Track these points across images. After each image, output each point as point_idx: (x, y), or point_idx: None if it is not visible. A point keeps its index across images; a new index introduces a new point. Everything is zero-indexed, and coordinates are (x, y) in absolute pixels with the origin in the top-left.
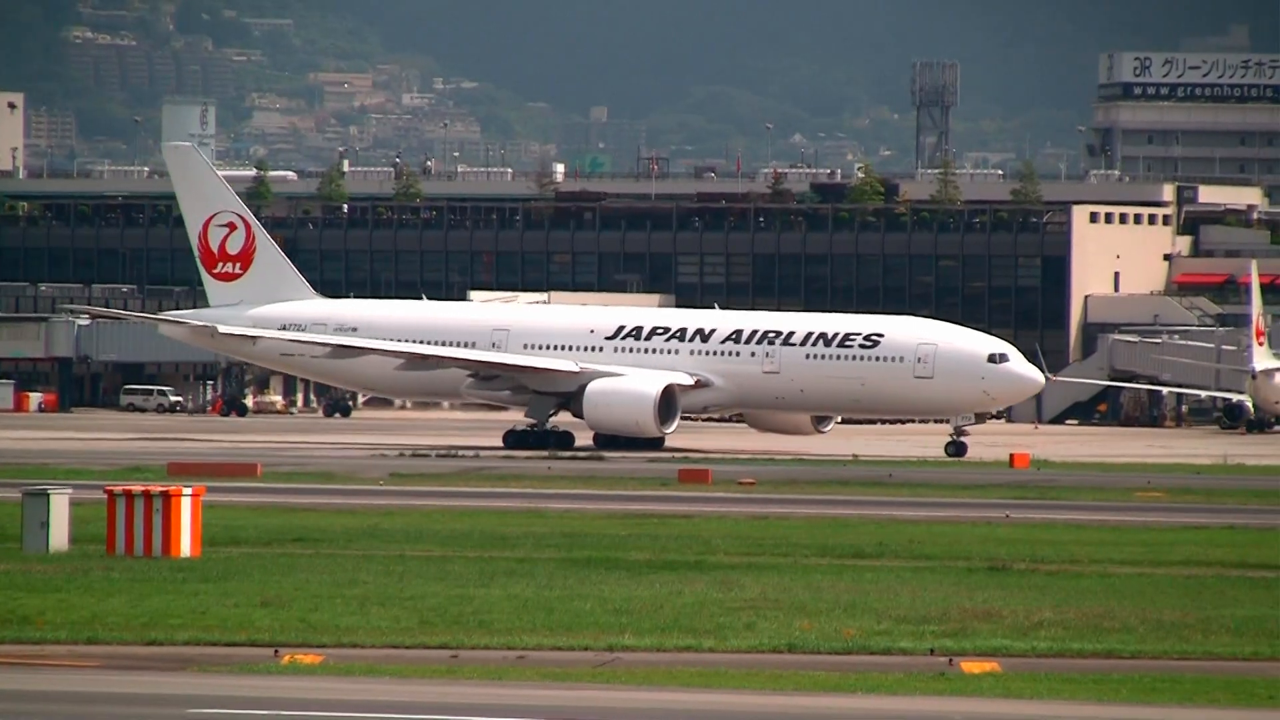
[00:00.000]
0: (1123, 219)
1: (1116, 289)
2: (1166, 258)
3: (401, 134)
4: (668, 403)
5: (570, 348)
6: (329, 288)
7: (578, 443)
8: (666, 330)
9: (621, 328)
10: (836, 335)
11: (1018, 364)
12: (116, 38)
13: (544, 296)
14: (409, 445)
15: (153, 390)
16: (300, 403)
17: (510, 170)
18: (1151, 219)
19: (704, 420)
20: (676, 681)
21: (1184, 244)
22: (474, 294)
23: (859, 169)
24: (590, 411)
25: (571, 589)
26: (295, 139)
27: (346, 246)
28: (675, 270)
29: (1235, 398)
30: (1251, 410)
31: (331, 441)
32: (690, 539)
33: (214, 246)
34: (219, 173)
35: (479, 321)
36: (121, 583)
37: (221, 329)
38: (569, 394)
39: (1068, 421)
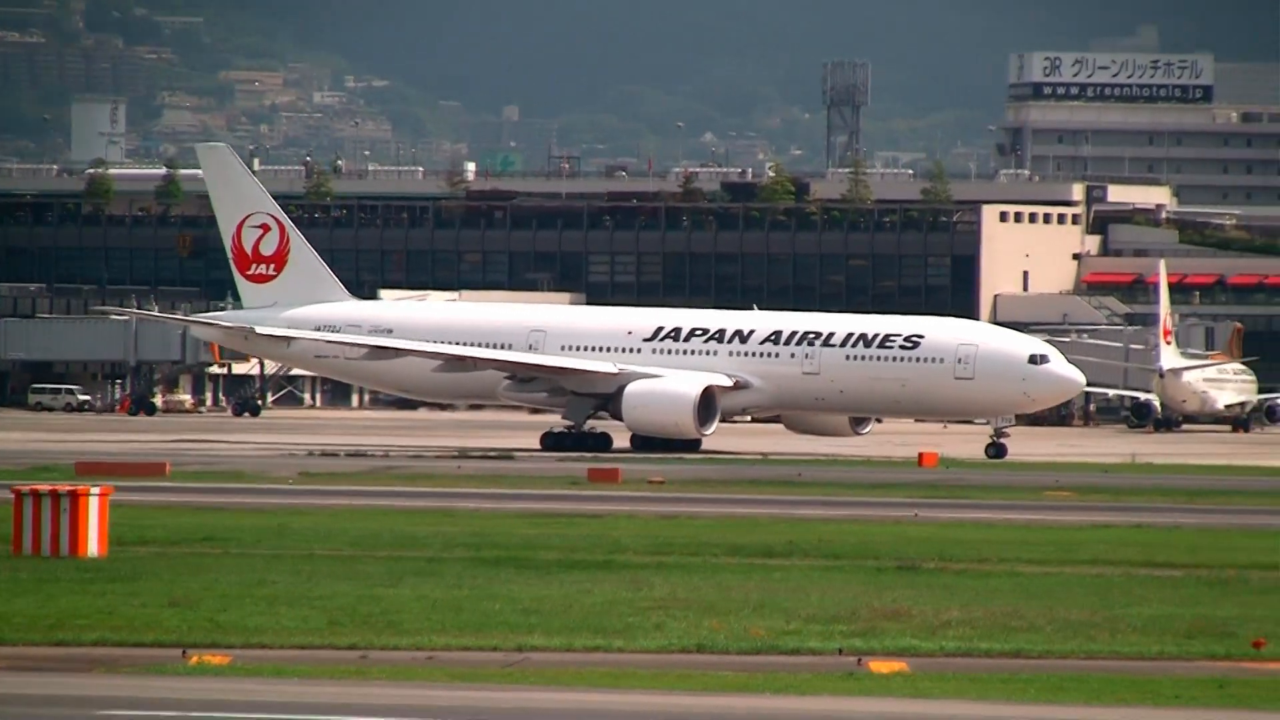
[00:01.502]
0: (1032, 218)
1: (1026, 288)
2: (1075, 257)
3: (312, 132)
4: (707, 404)
5: (608, 349)
6: None
7: (615, 445)
8: (705, 331)
9: (660, 329)
10: (877, 336)
11: (1059, 365)
12: (26, 35)
13: (455, 295)
14: (319, 444)
15: (61, 389)
16: (209, 402)
17: (421, 169)
18: (1061, 218)
19: (739, 422)
20: (585, 681)
21: (1093, 243)
22: (384, 293)
23: (770, 168)
24: (629, 413)
25: (481, 589)
26: (206, 137)
27: None
28: (586, 269)
29: (1143, 396)
30: (1159, 409)
31: (241, 441)
32: (600, 538)
33: (248, 248)
34: (252, 175)
35: (516, 323)
36: (28, 583)
37: (259, 330)
38: (607, 395)
39: (976, 421)
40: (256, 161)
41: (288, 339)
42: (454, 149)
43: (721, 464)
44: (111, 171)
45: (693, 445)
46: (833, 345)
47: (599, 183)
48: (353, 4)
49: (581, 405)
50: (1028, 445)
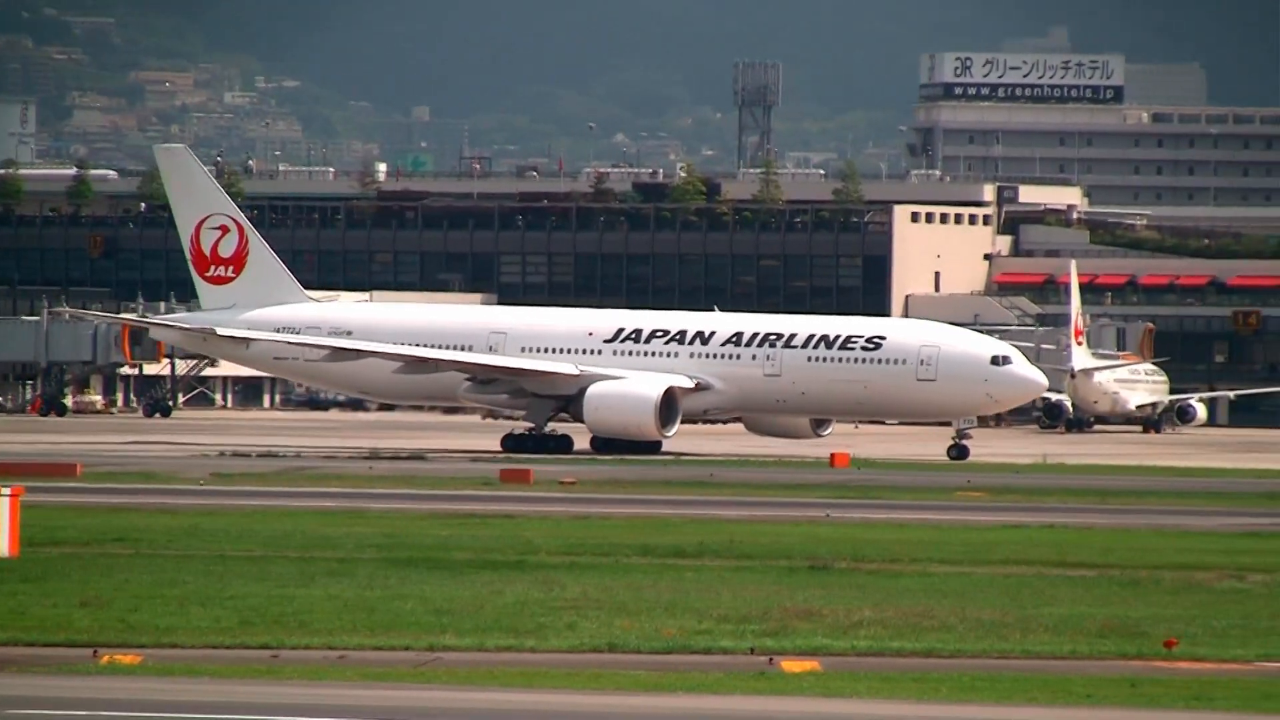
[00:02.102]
0: (943, 219)
1: (937, 288)
2: (987, 257)
3: (223, 133)
4: (669, 406)
5: (569, 350)
6: (149, 288)
7: (576, 447)
8: (666, 333)
9: (621, 330)
10: (838, 338)
11: (1021, 366)
12: None
13: (366, 296)
14: (230, 445)
15: None
16: (120, 402)
17: (332, 169)
18: (972, 219)
19: (703, 424)
20: (497, 681)
21: (1004, 244)
22: None
23: (681, 169)
24: (590, 415)
25: (393, 589)
26: (116, 138)
27: (167, 246)
28: (498, 270)
29: (1054, 397)
30: (1071, 409)
31: (153, 441)
32: (512, 539)
33: (206, 249)
34: (209, 175)
35: (476, 324)
36: None
37: (220, 331)
38: (569, 397)
39: (888, 421)
40: None
41: (247, 340)
42: (365, 149)
43: (632, 465)
44: (21, 172)
45: (654, 447)
46: (794, 347)
47: (510, 183)
48: (264, 4)
49: (542, 407)
50: (938, 446)
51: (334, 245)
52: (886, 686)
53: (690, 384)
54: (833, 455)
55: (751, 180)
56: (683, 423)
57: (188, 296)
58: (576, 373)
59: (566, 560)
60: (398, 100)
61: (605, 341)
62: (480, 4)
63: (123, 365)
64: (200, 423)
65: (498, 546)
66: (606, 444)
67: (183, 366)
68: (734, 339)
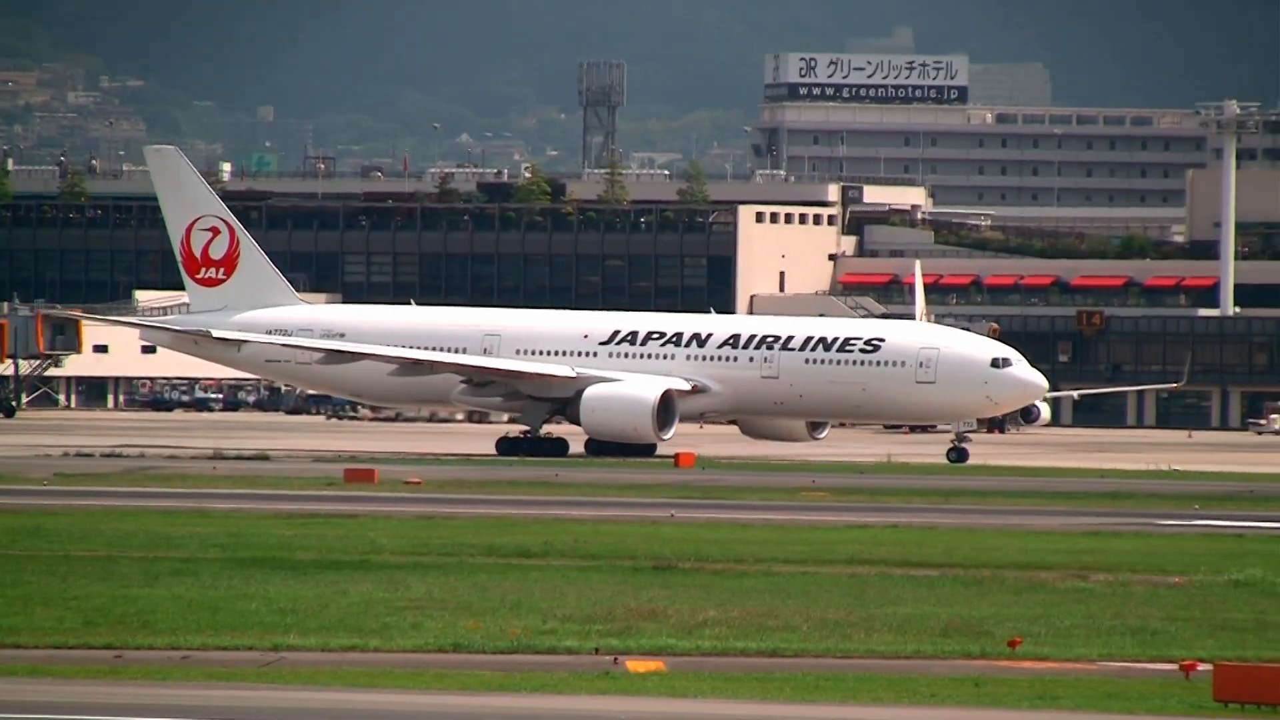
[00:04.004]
0: (788, 219)
1: (782, 288)
2: (832, 257)
3: (66, 132)
4: (666, 408)
5: (564, 353)
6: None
7: (570, 450)
8: (662, 335)
9: (617, 332)
10: (836, 340)
11: (1021, 369)
12: None
13: None
14: (74, 445)
15: None
16: None
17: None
18: (817, 219)
19: (700, 427)
20: (342, 681)
21: (849, 244)
22: (139, 294)
23: (526, 169)
24: (587, 417)
25: (237, 589)
26: None
27: (11, 246)
28: (342, 269)
29: None
30: None
31: None
32: (356, 539)
33: (197, 251)
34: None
35: (470, 327)
36: None
37: (215, 333)
38: (564, 400)
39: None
40: (10, 162)
41: (239, 343)
42: (209, 149)
43: (478, 465)
44: None
45: (649, 450)
46: (792, 349)
47: (355, 183)
48: (108, 4)
49: (538, 409)
50: (780, 447)
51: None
52: (731, 686)
53: (687, 386)
54: (678, 455)
55: (596, 180)
56: (679, 424)
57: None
58: (573, 375)
59: (411, 560)
60: (242, 100)
61: (601, 344)
62: (325, 4)
63: None
64: (44, 423)
65: (342, 547)
66: (601, 447)
67: (26, 366)
68: (731, 341)
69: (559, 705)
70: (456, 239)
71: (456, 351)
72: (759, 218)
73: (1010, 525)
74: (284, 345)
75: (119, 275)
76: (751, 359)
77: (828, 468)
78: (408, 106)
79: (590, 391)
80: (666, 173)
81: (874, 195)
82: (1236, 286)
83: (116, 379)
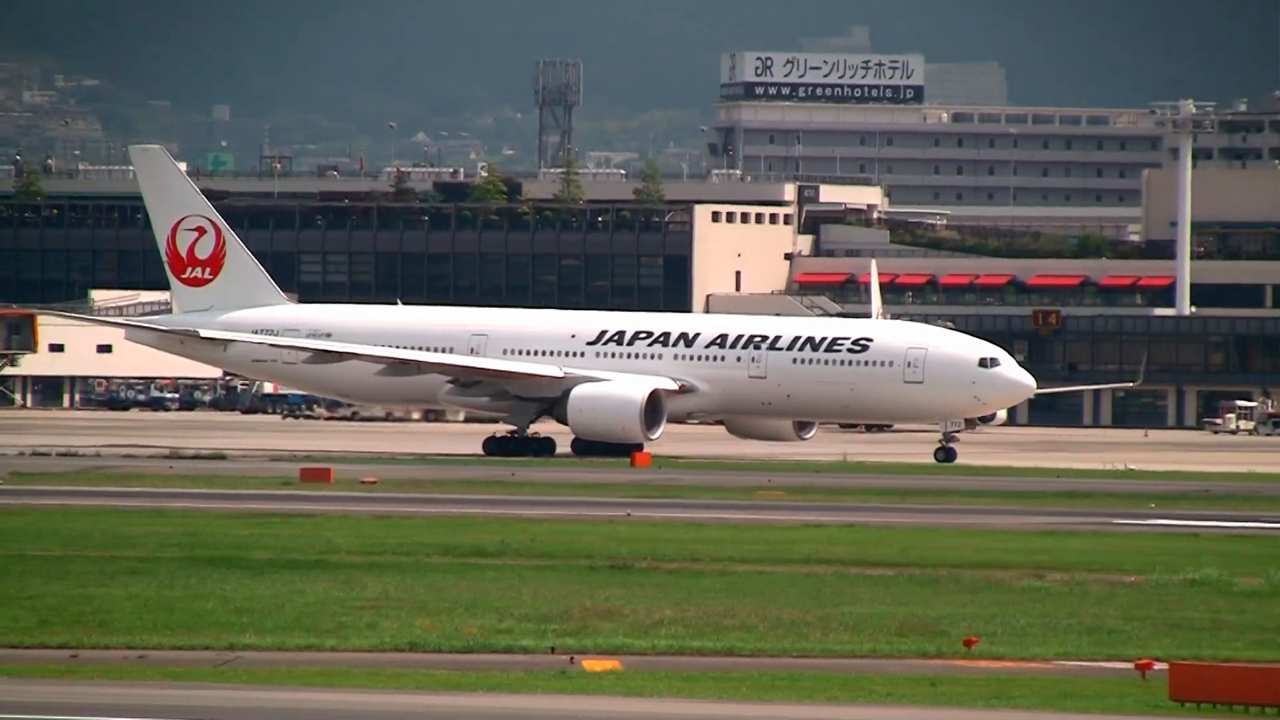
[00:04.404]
0: (744, 219)
1: (738, 288)
2: (788, 257)
3: (22, 131)
4: (654, 408)
5: (551, 353)
6: None
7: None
8: (650, 335)
9: (604, 332)
10: (824, 339)
11: (1009, 368)
12: None
13: (165, 296)
14: (30, 444)
15: None
16: None
17: (132, 169)
18: (773, 218)
19: (689, 426)
20: (298, 681)
21: (805, 243)
22: (95, 293)
23: (482, 168)
24: (575, 417)
25: (193, 588)
26: None
27: None
28: (298, 269)
29: None
30: None
31: None
32: (312, 538)
33: (182, 251)
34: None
35: (457, 327)
36: None
37: (203, 333)
38: (552, 400)
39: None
40: None
41: (225, 343)
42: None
43: (433, 464)
44: None
45: (636, 450)
46: (779, 349)
47: (311, 183)
48: (63, 3)
49: (525, 409)
50: (736, 447)
51: (134, 244)
52: (687, 685)
53: (674, 386)
54: (634, 455)
55: (553, 180)
56: (666, 424)
57: None
58: (560, 375)
59: (367, 560)
60: (198, 99)
61: (588, 343)
62: (281, 4)
63: None
64: None
65: (298, 546)
66: (588, 446)
67: None
68: (718, 340)
69: (515, 704)
70: (412, 238)
71: (443, 351)
72: (715, 217)
73: (966, 525)
74: (272, 345)
75: (75, 275)
76: (739, 359)
77: (784, 467)
78: (364, 106)
79: (578, 391)
80: (623, 172)
81: (830, 194)
82: (1192, 286)
83: (72, 378)
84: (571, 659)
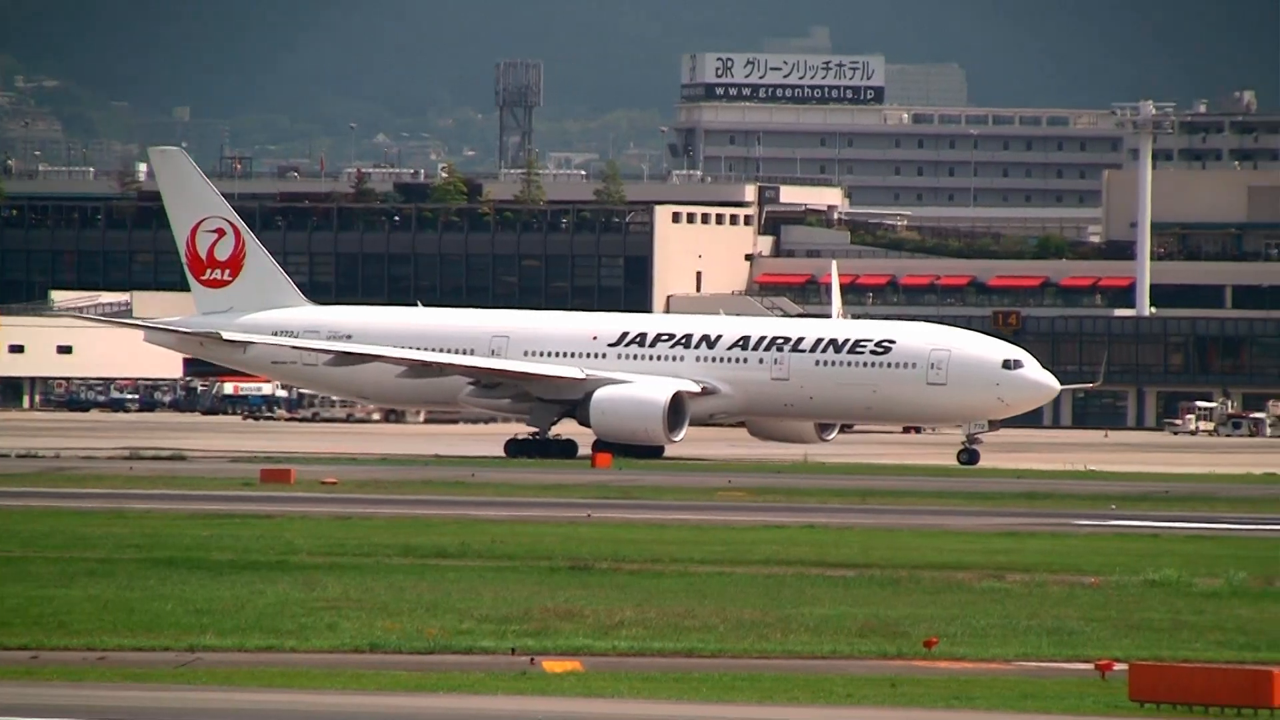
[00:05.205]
0: (705, 219)
1: (699, 289)
2: (748, 258)
3: None
4: (676, 410)
5: (573, 354)
6: None
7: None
8: (671, 336)
9: (625, 334)
10: (847, 341)
11: (1033, 370)
12: None
13: (126, 297)
14: None
15: None
16: None
17: (93, 169)
18: (733, 219)
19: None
20: (258, 681)
21: (766, 244)
22: (55, 294)
23: (442, 169)
24: (597, 419)
25: (153, 589)
26: None
27: None
28: None
29: None
30: None
31: None
32: (272, 539)
33: (202, 253)
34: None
35: (478, 328)
36: None
37: (226, 335)
38: (573, 401)
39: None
40: None
41: (244, 344)
42: (125, 149)
43: (394, 464)
44: None
45: (656, 452)
46: (802, 350)
47: (271, 183)
48: (23, 3)
49: (547, 411)
50: (698, 448)
51: (94, 245)
52: (648, 686)
53: (697, 388)
54: (594, 455)
55: (513, 181)
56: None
57: None
58: (582, 377)
59: (327, 560)
60: (159, 100)
61: (610, 345)
62: (241, 4)
63: None
64: None
65: (259, 547)
66: (609, 449)
67: None
68: (741, 342)
69: (476, 705)
70: (373, 239)
71: (464, 353)
72: (675, 218)
73: (927, 525)
74: (295, 348)
75: (35, 275)
76: (761, 360)
77: (744, 468)
78: (325, 107)
79: (600, 393)
80: (583, 173)
81: (790, 195)
82: (1153, 287)
83: (32, 379)
84: (532, 660)
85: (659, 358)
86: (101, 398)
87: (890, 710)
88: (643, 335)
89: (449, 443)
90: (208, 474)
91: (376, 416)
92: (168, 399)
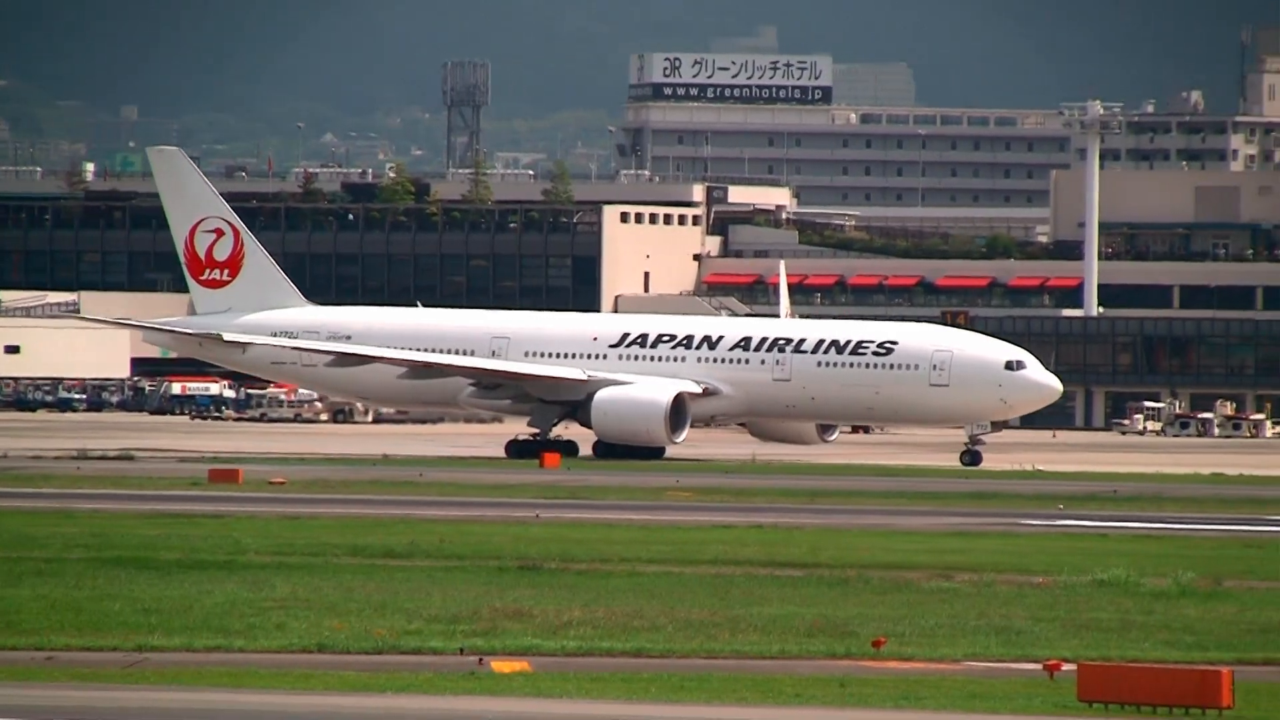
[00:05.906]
0: (653, 219)
1: (647, 289)
2: (696, 258)
3: None
4: (678, 411)
5: (574, 355)
6: None
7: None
8: (673, 337)
9: (626, 335)
10: (849, 342)
11: (1036, 371)
12: None
13: (73, 296)
14: None
15: None
16: None
17: (39, 169)
18: (681, 219)
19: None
20: (206, 681)
21: (714, 244)
22: (2, 294)
23: (390, 169)
24: (599, 420)
25: (101, 589)
26: None
27: None
28: None
29: None
30: None
31: None
32: (221, 539)
33: (201, 253)
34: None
35: (478, 329)
36: None
37: (227, 336)
38: (575, 403)
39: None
40: None
41: (244, 345)
42: (73, 149)
43: (342, 464)
44: None
45: (658, 453)
46: (804, 351)
47: (219, 183)
48: None
49: (548, 412)
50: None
51: (41, 245)
52: (596, 686)
53: (698, 389)
54: (543, 455)
55: (461, 180)
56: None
57: None
58: (584, 378)
59: (276, 560)
60: (106, 99)
61: (611, 346)
62: (188, 3)
63: None
64: None
65: (207, 547)
66: (609, 449)
67: None
68: (742, 344)
69: (424, 705)
70: (320, 239)
71: (464, 354)
72: (624, 218)
73: (875, 525)
74: (296, 349)
75: None
76: (763, 361)
77: (692, 468)
78: (272, 106)
79: (602, 394)
80: (531, 173)
81: (739, 195)
82: (1100, 287)
83: None
84: (480, 660)
85: (660, 359)
86: (49, 397)
87: (839, 710)
88: (644, 336)
89: (450, 443)
90: (156, 474)
91: (324, 417)
92: (115, 399)
